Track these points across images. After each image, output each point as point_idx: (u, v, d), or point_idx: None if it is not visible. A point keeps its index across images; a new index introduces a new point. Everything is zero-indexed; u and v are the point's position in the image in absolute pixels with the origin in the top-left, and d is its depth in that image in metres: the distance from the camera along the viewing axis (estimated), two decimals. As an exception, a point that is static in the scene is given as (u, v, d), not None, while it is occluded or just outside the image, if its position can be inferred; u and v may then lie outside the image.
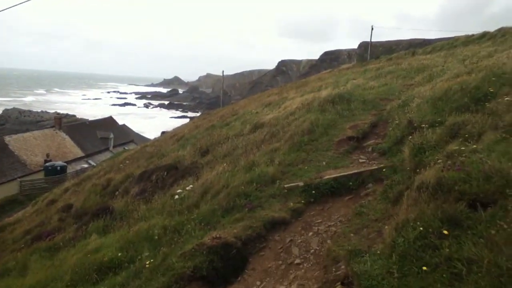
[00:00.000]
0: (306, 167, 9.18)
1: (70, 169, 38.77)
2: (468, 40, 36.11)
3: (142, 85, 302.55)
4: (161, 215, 8.82)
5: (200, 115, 62.96)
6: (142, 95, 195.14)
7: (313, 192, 7.80)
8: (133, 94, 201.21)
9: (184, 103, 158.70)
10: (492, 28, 35.72)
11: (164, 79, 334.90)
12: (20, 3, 11.91)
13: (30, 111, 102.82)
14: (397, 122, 10.06)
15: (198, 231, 7.18)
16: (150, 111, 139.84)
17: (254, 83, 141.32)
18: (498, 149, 5.51)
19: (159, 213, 9.17)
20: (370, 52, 59.30)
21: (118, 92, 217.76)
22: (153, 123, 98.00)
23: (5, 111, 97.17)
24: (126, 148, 46.61)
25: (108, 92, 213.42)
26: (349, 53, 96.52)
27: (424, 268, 3.90)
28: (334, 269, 5.08)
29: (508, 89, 8.57)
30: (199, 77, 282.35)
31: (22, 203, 29.92)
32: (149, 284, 5.84)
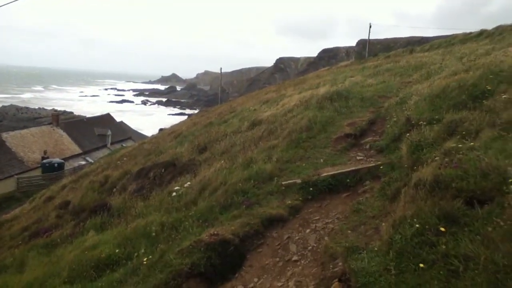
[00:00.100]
0: (304, 164, 9.18)
1: (68, 166, 38.73)
2: (466, 38, 36.17)
3: (139, 82, 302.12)
4: (158, 212, 8.83)
5: (198, 112, 62.88)
6: (140, 92, 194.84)
7: (311, 189, 7.81)
8: (130, 91, 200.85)
9: (182, 100, 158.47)
10: (489, 26, 35.80)
11: (162, 76, 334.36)
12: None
13: (27, 108, 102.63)
14: (395, 119, 10.07)
15: (195, 228, 7.18)
16: (148, 108, 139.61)
17: (252, 81, 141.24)
18: (495, 147, 5.52)
19: (157, 210, 9.17)
20: (368, 49, 59.25)
21: (115, 89, 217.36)
22: (150, 120, 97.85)
23: (3, 108, 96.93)
24: (123, 145, 46.56)
25: (106, 89, 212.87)
26: (347, 51, 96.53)
27: (421, 265, 3.92)
28: (331, 266, 5.09)
29: (505, 86, 8.59)
30: (197, 74, 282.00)
31: (19, 200, 29.89)
32: (147, 281, 5.84)
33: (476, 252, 3.67)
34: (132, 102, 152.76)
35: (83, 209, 12.41)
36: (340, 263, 4.95)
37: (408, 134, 7.92)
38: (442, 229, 4.19)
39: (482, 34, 34.26)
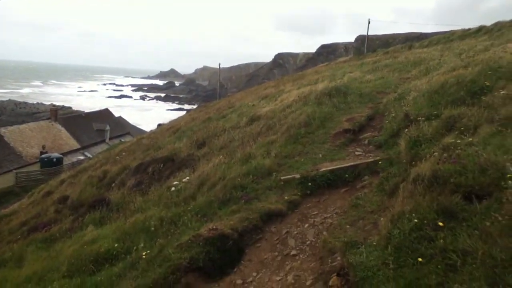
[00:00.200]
0: (302, 160, 9.20)
1: (66, 161, 38.72)
2: (465, 34, 36.14)
3: (138, 78, 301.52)
4: (157, 207, 8.84)
5: (196, 107, 62.88)
6: (139, 88, 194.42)
7: (310, 184, 7.82)
8: (129, 86, 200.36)
9: (181, 96, 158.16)
10: (488, 22, 35.76)
11: (161, 72, 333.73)
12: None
13: (25, 103, 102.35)
14: (393, 115, 10.08)
15: (194, 223, 7.20)
16: (147, 103, 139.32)
17: (251, 76, 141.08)
18: (494, 142, 5.54)
19: (156, 204, 9.19)
20: (367, 45, 59.19)
21: (114, 84, 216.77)
22: (149, 115, 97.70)
23: (1, 102, 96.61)
24: (122, 140, 46.57)
25: (104, 84, 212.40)
26: (346, 47, 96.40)
27: (420, 259, 3.93)
28: (330, 260, 5.11)
29: (504, 82, 8.59)
30: (196, 70, 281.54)
31: (18, 194, 29.88)
32: (146, 275, 5.85)
33: (474, 246, 3.69)
34: (131, 97, 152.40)
35: (82, 204, 12.42)
36: (338, 258, 4.97)
37: (406, 130, 7.93)
38: (441, 224, 4.20)
39: (481, 30, 34.24)
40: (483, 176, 4.63)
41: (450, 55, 19.56)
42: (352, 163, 8.23)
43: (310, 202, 7.46)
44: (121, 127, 56.19)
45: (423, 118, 8.17)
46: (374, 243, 4.74)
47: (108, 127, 50.81)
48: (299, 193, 7.65)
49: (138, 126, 64.35)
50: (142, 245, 7.02)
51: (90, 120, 51.01)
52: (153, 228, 7.57)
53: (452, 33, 41.11)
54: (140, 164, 14.17)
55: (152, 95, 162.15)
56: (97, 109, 65.00)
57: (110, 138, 50.35)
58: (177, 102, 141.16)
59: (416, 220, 4.36)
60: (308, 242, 6.15)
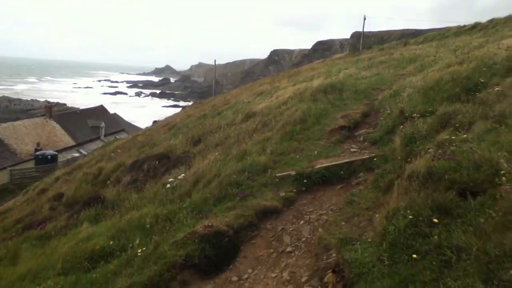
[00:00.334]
0: (298, 156, 9.20)
1: (61, 158, 38.58)
2: (460, 31, 36.20)
3: (133, 74, 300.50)
4: (153, 204, 8.83)
5: (192, 104, 62.72)
6: (134, 84, 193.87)
7: (305, 181, 7.84)
8: (124, 83, 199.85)
9: (176, 92, 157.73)
10: (483, 19, 35.85)
11: (156, 68, 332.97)
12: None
13: (20, 99, 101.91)
14: (388, 111, 10.10)
15: (190, 220, 7.19)
16: (142, 100, 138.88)
17: (246, 73, 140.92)
18: (488, 139, 5.55)
19: (151, 202, 9.17)
20: (362, 42, 59.20)
21: (109, 80, 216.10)
22: (144, 112, 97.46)
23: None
24: (117, 137, 46.38)
25: (99, 81, 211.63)
26: (342, 43, 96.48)
27: (414, 255, 3.95)
28: (325, 257, 5.13)
29: (498, 79, 8.62)
30: (191, 66, 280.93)
31: (12, 192, 29.75)
32: (141, 272, 5.84)
33: (468, 243, 3.70)
34: (126, 94, 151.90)
35: (77, 201, 12.37)
36: (334, 254, 4.99)
37: (401, 126, 7.95)
38: (435, 220, 4.22)
39: (475, 27, 34.30)
40: (478, 172, 4.65)
41: (445, 51, 19.58)
42: (347, 160, 8.25)
43: (306, 199, 7.48)
44: (116, 124, 56.01)
45: (418, 115, 8.19)
46: (369, 240, 4.76)
47: (103, 124, 50.63)
48: (294, 190, 7.66)
49: (133, 123, 64.17)
50: (137, 242, 7.00)
51: (85, 117, 50.81)
52: (148, 225, 7.56)
53: (447, 29, 41.17)
54: (136, 161, 14.14)
55: (147, 91, 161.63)
56: (92, 105, 64.71)
57: (105, 135, 50.17)
58: (172, 98, 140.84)
59: (411, 217, 4.37)
60: (304, 238, 6.17)
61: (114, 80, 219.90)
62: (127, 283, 5.70)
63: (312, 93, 14.43)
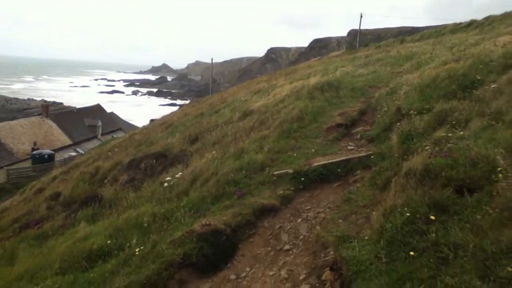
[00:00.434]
0: (295, 154, 9.20)
1: (58, 157, 38.48)
2: (456, 28, 36.28)
3: (130, 73, 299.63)
4: (150, 203, 8.81)
5: (189, 102, 62.71)
6: (131, 83, 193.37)
7: (302, 179, 7.84)
8: (121, 82, 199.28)
9: (173, 91, 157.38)
10: (479, 17, 35.92)
11: (153, 67, 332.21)
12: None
13: (16, 98, 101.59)
14: (385, 109, 10.11)
15: (187, 219, 7.18)
16: (139, 98, 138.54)
17: (243, 71, 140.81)
18: (485, 136, 5.57)
19: (148, 200, 9.16)
20: (359, 39, 59.27)
21: (106, 79, 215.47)
22: (141, 110, 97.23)
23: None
24: (114, 136, 46.30)
25: (96, 80, 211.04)
26: (338, 41, 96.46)
27: (412, 253, 3.95)
28: (323, 255, 5.13)
29: (495, 76, 8.64)
30: (188, 65, 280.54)
31: (9, 191, 29.65)
32: (139, 272, 5.84)
33: (465, 239, 3.72)
34: (123, 92, 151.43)
35: (74, 201, 12.34)
36: (331, 252, 4.99)
37: (398, 124, 7.96)
38: (432, 217, 4.23)
39: (472, 24, 34.36)
40: (474, 169, 4.67)
41: (442, 49, 19.62)
42: (344, 158, 8.25)
43: (303, 196, 7.48)
44: (113, 122, 55.88)
45: (415, 112, 8.20)
46: (367, 237, 4.77)
47: (100, 123, 50.51)
48: (292, 188, 7.66)
49: (130, 122, 64.02)
50: (135, 241, 7.00)
51: (81, 116, 50.68)
52: (146, 224, 7.55)
53: (443, 27, 41.26)
54: (133, 160, 14.12)
55: (144, 90, 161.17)
56: (88, 104, 64.53)
57: (102, 134, 50.06)
58: (169, 97, 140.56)
59: (408, 214, 4.38)
60: (301, 236, 6.17)
61: (110, 79, 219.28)
62: (125, 282, 5.69)
63: (309, 91, 14.44)
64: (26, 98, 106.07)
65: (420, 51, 21.43)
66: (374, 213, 5.34)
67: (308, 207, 7.02)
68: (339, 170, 7.91)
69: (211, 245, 6.15)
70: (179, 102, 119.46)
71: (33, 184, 23.26)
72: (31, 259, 8.46)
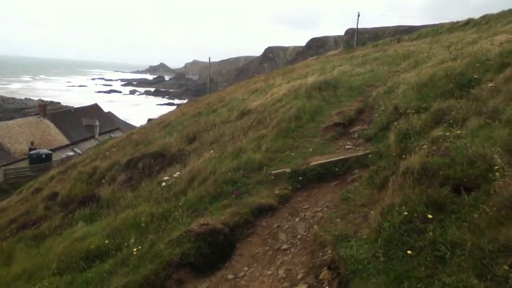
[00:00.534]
0: (293, 154, 9.21)
1: (56, 157, 38.38)
2: (453, 27, 36.33)
3: (128, 72, 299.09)
4: (148, 203, 8.80)
5: (186, 102, 62.59)
6: (128, 82, 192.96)
7: (300, 178, 7.84)
8: (118, 81, 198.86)
9: (171, 90, 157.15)
10: (476, 15, 36.00)
11: (150, 66, 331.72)
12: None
13: (13, 98, 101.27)
14: (383, 108, 10.11)
15: (185, 218, 7.17)
16: (136, 98, 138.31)
17: (241, 70, 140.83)
18: (482, 134, 5.58)
19: (146, 200, 9.15)
20: (356, 38, 59.26)
21: (103, 79, 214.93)
22: (139, 110, 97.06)
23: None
24: (112, 135, 46.21)
25: (94, 79, 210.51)
26: (336, 40, 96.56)
27: (409, 251, 3.97)
28: (320, 254, 5.13)
29: (492, 75, 8.66)
30: (186, 64, 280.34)
31: (6, 191, 29.55)
32: (137, 271, 5.83)
33: (462, 238, 3.73)
34: (120, 92, 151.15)
35: (72, 201, 12.33)
36: (329, 251, 5.00)
37: (396, 123, 7.96)
38: (430, 216, 4.24)
39: (469, 23, 34.41)
40: (472, 168, 4.68)
41: (439, 48, 19.62)
42: (342, 157, 8.26)
43: (301, 196, 7.48)
44: (110, 122, 55.81)
45: (412, 111, 8.21)
46: (364, 236, 4.78)
47: (97, 123, 50.43)
48: (289, 187, 7.66)
49: (127, 121, 63.88)
50: (132, 241, 6.98)
51: (79, 116, 50.59)
52: (143, 224, 7.54)
53: (440, 26, 41.33)
54: (130, 159, 14.10)
55: (142, 89, 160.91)
56: (86, 104, 64.38)
57: (100, 134, 49.98)
58: (167, 96, 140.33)
59: (405, 213, 4.39)
60: (299, 236, 6.17)
61: (108, 78, 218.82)
62: (123, 282, 5.69)
63: (307, 90, 14.43)
64: (23, 98, 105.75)
65: (417, 50, 21.43)
66: (372, 212, 5.34)
67: (306, 206, 7.02)
68: (337, 169, 7.92)
69: (209, 244, 6.14)
70: (176, 101, 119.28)
71: (31, 184, 23.22)
72: (28, 259, 8.45)
